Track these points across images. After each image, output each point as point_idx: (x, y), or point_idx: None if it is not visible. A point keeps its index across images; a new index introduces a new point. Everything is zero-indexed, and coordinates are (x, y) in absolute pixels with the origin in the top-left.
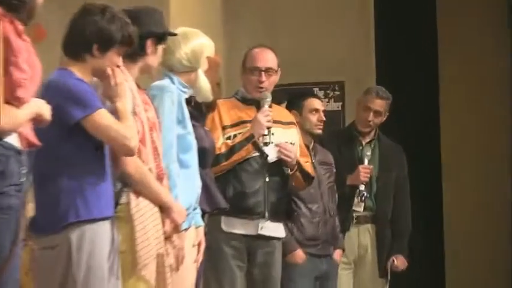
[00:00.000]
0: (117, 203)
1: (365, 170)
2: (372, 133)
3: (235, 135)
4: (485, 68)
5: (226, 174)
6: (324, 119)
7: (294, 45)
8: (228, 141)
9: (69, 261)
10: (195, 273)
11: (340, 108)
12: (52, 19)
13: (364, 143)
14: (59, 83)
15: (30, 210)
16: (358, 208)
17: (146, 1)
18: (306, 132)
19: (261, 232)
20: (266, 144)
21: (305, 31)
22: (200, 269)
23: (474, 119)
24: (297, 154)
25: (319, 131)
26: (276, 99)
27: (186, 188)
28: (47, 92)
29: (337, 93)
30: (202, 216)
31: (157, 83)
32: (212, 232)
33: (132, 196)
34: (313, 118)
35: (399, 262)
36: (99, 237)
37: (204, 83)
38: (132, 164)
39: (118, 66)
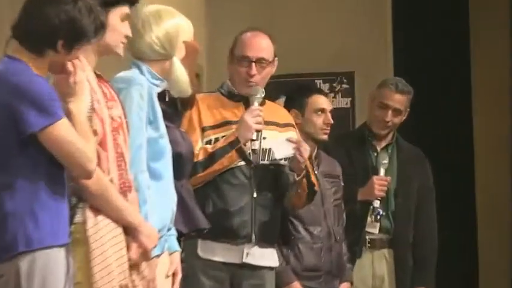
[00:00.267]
0: (70, 222)
1: (380, 182)
2: (389, 136)
3: (216, 139)
4: None
5: (204, 188)
6: (332, 121)
7: (292, 28)
8: (208, 146)
9: None
10: None
11: (349, 105)
12: None
13: (379, 148)
14: (16, 80)
15: None
16: (372, 229)
17: None
18: (308, 137)
19: (246, 260)
20: (254, 151)
21: (306, 11)
22: None
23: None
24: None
25: (325, 137)
26: (271, 95)
27: (158, 204)
28: None
29: (345, 86)
30: (179, 239)
31: (122, 74)
32: (188, 258)
33: (89, 214)
34: (318, 120)
35: None
36: (53, 265)
37: (181, 73)
38: None
39: (77, 58)
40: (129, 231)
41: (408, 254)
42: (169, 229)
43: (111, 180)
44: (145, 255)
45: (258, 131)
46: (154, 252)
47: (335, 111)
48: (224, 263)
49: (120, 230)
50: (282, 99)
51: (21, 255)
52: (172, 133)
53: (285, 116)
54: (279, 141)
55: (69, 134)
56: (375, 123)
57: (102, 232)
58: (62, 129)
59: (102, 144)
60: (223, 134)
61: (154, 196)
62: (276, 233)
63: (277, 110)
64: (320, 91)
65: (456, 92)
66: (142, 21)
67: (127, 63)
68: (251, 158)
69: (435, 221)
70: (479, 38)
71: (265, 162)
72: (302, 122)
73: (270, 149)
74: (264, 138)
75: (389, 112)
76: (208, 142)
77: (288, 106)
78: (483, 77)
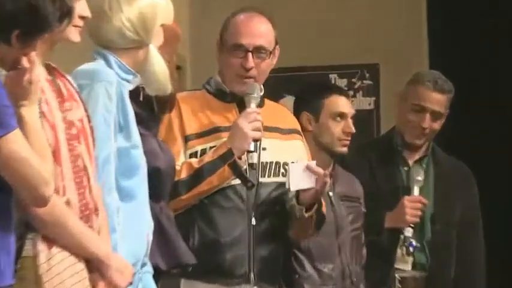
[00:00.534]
0: (17, 257)
1: (413, 205)
2: (424, 146)
3: (203, 151)
4: None
5: (188, 213)
6: (353, 130)
7: (298, 9)
8: (193, 159)
9: None
10: None
11: (372, 107)
12: None
13: (411, 161)
14: None
15: None
16: (404, 265)
17: None
18: (322, 148)
19: None
20: (252, 166)
21: None
22: None
23: None
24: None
25: (344, 149)
26: (271, 93)
27: (129, 232)
28: None
29: (367, 82)
30: (156, 277)
31: (85, 66)
32: None
33: (42, 246)
34: (337, 128)
35: None
36: None
37: (159, 65)
38: None
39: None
40: (95, 267)
41: None
42: (143, 265)
43: (68, 202)
44: None
45: (256, 140)
46: None
47: (355, 115)
48: None
49: (81, 265)
50: (287, 100)
51: None
52: (147, 143)
53: (289, 120)
54: (295, 168)
55: (22, 149)
56: (408, 131)
57: (59, 268)
58: (14, 142)
59: (53, 156)
60: (211, 144)
61: (125, 222)
62: (279, 271)
63: (279, 112)
64: (340, 90)
65: (505, 92)
66: (109, 1)
67: (90, 53)
68: (248, 175)
69: (483, 254)
70: None
71: (266, 180)
72: (315, 129)
73: (271, 163)
74: (264, 149)
75: (427, 116)
76: (193, 155)
77: (297, 109)
78: None
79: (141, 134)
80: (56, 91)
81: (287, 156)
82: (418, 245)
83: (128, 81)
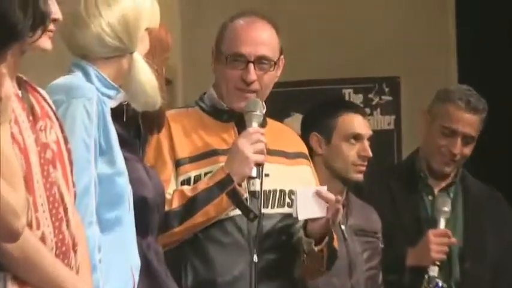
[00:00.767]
0: None
1: (439, 240)
2: (452, 172)
3: (198, 178)
4: None
5: (181, 249)
6: (370, 154)
7: (306, 14)
8: (186, 187)
9: None
10: None
11: (392, 126)
12: None
13: (436, 189)
14: None
15: None
16: None
17: None
18: (334, 174)
19: None
20: (254, 194)
21: None
22: None
23: None
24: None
25: (359, 176)
26: (275, 111)
27: (113, 270)
28: None
29: (387, 98)
30: None
31: (60, 80)
32: None
33: (12, 287)
34: (351, 151)
35: None
36: None
37: (146, 74)
38: None
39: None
40: None
41: None
42: None
43: (44, 237)
44: None
45: (259, 164)
46: None
47: (372, 135)
48: None
49: None
50: (293, 119)
51: None
52: (133, 169)
53: (295, 142)
54: (303, 193)
55: None
56: (437, 157)
57: None
58: None
59: (24, 184)
60: (207, 169)
61: (108, 260)
62: None
63: (283, 134)
64: (355, 108)
65: None
66: (86, 4)
67: (66, 64)
68: (249, 205)
69: None
70: None
71: (270, 211)
72: (326, 152)
73: (275, 191)
74: (267, 175)
75: (459, 141)
76: (186, 181)
77: (306, 129)
78: None
79: (125, 159)
80: (27, 109)
81: (293, 183)
82: (445, 286)
83: (109, 96)
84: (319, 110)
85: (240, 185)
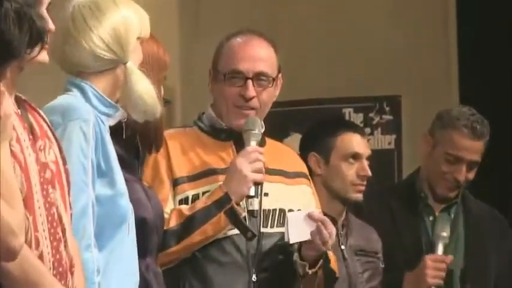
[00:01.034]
0: None
1: (437, 265)
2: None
3: (196, 197)
4: None
5: (179, 268)
6: (369, 173)
7: (307, 35)
8: (184, 206)
9: None
10: None
11: (393, 146)
12: None
13: (437, 211)
14: None
15: None
16: None
17: None
18: (333, 194)
19: None
20: (252, 213)
21: (328, 5)
22: None
23: None
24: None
25: (358, 195)
26: (274, 130)
27: None
28: None
29: (387, 117)
30: None
31: (56, 101)
32: None
33: None
34: (350, 171)
35: None
36: None
37: (143, 83)
38: None
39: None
40: None
41: None
42: None
43: (42, 256)
44: None
45: (257, 183)
46: None
47: (373, 155)
48: None
49: None
50: (292, 138)
51: None
52: (132, 190)
53: (294, 162)
54: (294, 218)
55: None
56: (441, 183)
57: None
58: None
59: (24, 203)
60: (205, 188)
61: (107, 281)
62: None
63: (282, 153)
64: (354, 127)
65: None
66: (74, 21)
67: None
68: (248, 225)
69: None
70: None
71: (269, 230)
72: (325, 172)
73: (274, 211)
74: (266, 194)
75: (464, 167)
76: (184, 201)
77: (304, 149)
78: None
79: (124, 179)
80: (27, 128)
81: (292, 203)
82: None
83: (108, 115)
84: (318, 130)
85: (238, 204)
